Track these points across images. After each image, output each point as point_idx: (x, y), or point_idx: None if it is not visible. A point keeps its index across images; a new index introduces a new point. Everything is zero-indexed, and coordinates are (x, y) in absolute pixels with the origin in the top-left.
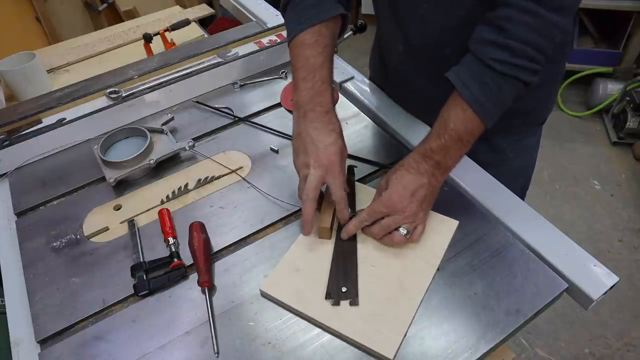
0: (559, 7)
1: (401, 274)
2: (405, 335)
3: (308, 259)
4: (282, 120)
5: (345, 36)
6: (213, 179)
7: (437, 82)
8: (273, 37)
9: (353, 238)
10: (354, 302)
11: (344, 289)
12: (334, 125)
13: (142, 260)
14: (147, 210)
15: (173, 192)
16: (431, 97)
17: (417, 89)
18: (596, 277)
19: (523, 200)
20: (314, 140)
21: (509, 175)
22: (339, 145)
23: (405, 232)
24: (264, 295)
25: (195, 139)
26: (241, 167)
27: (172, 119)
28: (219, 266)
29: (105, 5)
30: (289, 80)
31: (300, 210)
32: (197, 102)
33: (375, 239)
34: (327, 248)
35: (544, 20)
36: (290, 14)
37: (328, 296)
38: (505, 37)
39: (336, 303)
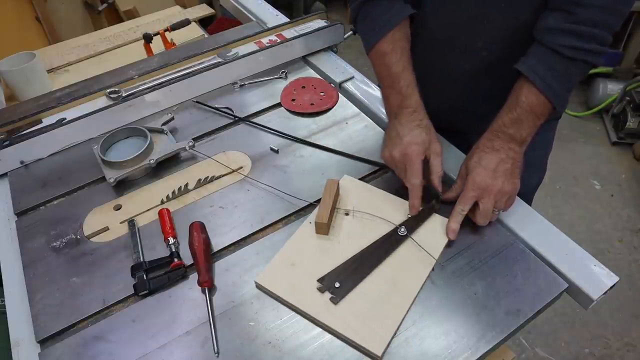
0: None
1: (395, 273)
2: (395, 334)
3: (304, 253)
4: (282, 120)
5: (346, 36)
6: (213, 178)
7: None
8: (273, 37)
9: (383, 255)
10: (334, 300)
11: (337, 285)
12: (420, 121)
13: (142, 260)
14: (147, 210)
15: (173, 192)
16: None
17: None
18: (596, 277)
19: (533, 195)
20: (399, 134)
21: (525, 171)
22: (421, 138)
23: (497, 211)
24: (259, 287)
25: (195, 139)
26: (241, 167)
27: (172, 119)
28: (219, 266)
29: (105, 5)
30: (289, 80)
31: (299, 210)
32: (197, 102)
33: (480, 224)
34: (323, 243)
35: None
36: (362, 24)
37: (321, 280)
38: (573, 21)
39: (321, 290)
